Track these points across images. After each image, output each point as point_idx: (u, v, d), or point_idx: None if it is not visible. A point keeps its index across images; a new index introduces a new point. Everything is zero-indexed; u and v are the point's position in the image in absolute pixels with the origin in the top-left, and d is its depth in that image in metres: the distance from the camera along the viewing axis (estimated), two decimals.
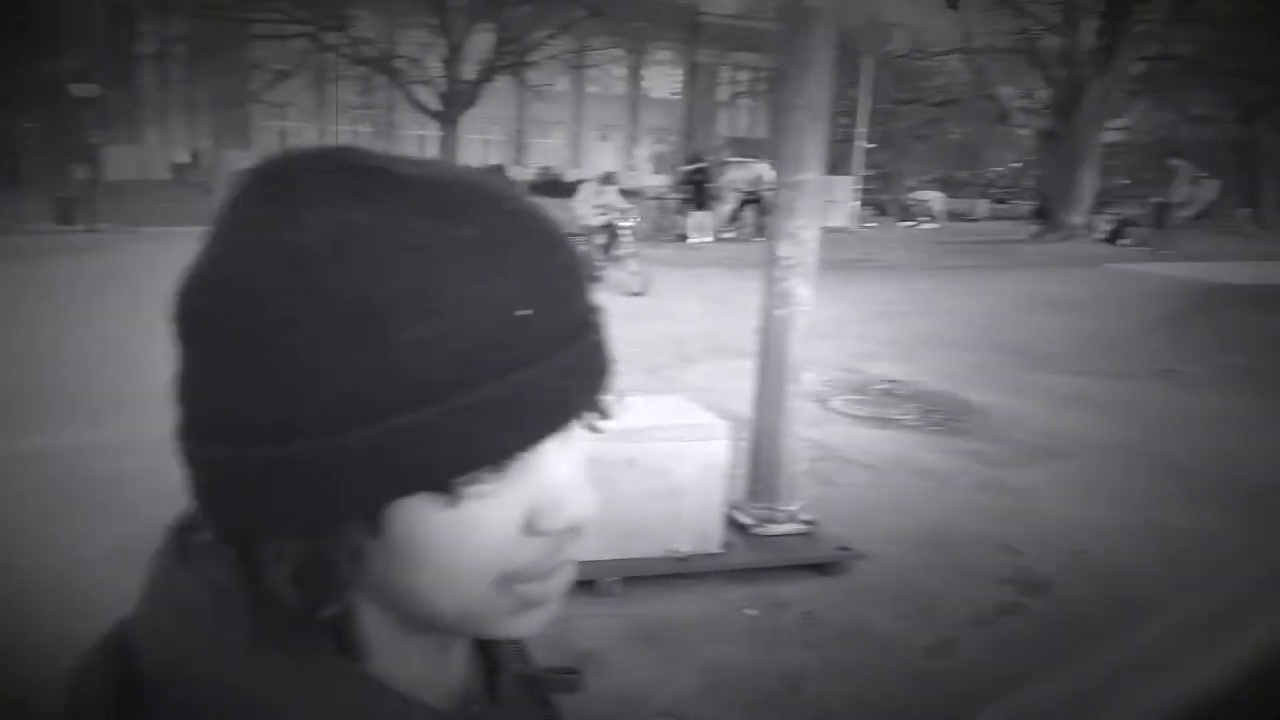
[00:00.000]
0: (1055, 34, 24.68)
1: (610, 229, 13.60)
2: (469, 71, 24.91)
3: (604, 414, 0.53)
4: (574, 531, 0.52)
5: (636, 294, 12.49)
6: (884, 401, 8.03)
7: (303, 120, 43.27)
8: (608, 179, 14.35)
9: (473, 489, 0.47)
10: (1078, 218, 24.08)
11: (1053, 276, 17.35)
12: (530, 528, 0.50)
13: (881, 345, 10.42)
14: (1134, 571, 4.80)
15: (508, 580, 0.51)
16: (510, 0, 24.08)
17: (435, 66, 24.79)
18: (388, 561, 0.49)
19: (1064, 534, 5.26)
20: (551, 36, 25.68)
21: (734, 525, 4.64)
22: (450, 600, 0.50)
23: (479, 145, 39.11)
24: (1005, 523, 5.40)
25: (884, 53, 28.79)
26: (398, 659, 0.53)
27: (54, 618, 3.85)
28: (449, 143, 23.90)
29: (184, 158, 40.09)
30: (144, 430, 6.40)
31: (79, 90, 25.20)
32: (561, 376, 0.48)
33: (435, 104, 24.12)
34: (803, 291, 4.53)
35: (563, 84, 39.69)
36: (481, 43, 26.65)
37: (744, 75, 45.89)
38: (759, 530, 4.61)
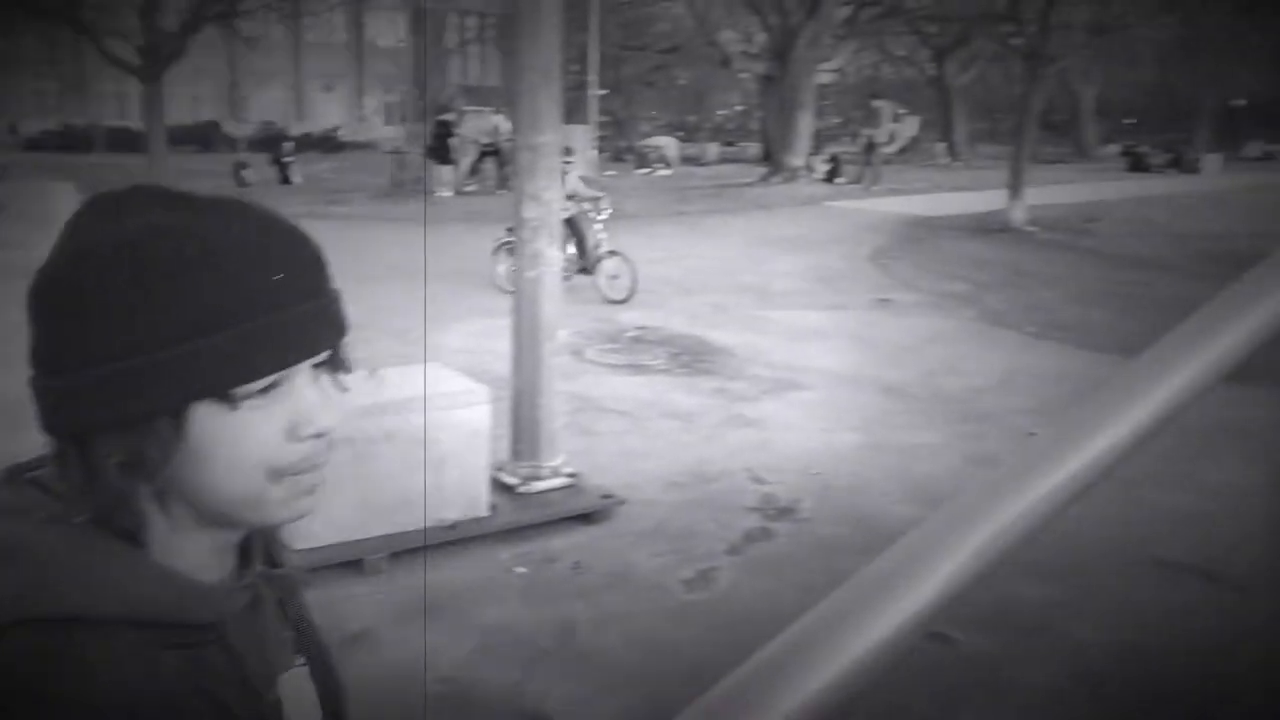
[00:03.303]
0: None
1: (575, 225, 10.29)
2: (171, 23, 22.83)
3: (345, 368, 0.74)
4: (322, 439, 0.72)
5: (619, 301, 9.99)
6: (635, 349, 8.31)
7: None
8: (567, 156, 10.40)
9: (248, 401, 0.67)
10: (798, 159, 25.49)
11: (780, 217, 18.43)
12: (290, 434, 0.70)
13: None
14: (865, 486, 5.33)
15: (278, 474, 0.70)
16: None
17: (131, 17, 22.48)
18: (189, 459, 0.67)
19: (802, 459, 5.72)
20: None
21: (500, 487, 4.71)
22: (236, 487, 0.69)
23: (189, 101, 36.16)
24: (750, 454, 5.79)
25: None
26: (179, 553, 0.71)
27: None
28: (153, 100, 21.67)
29: None
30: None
31: None
32: (306, 319, 0.69)
33: (134, 58, 21.93)
34: (551, 252, 4.61)
35: (278, 33, 37.30)
36: None
37: (471, 21, 44.96)
38: (524, 489, 4.70)
